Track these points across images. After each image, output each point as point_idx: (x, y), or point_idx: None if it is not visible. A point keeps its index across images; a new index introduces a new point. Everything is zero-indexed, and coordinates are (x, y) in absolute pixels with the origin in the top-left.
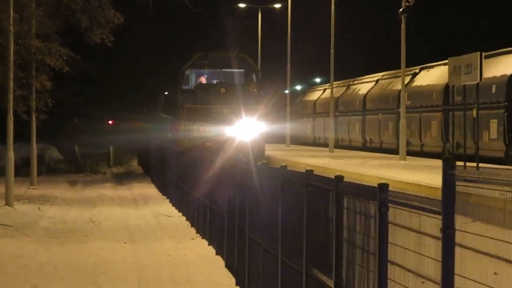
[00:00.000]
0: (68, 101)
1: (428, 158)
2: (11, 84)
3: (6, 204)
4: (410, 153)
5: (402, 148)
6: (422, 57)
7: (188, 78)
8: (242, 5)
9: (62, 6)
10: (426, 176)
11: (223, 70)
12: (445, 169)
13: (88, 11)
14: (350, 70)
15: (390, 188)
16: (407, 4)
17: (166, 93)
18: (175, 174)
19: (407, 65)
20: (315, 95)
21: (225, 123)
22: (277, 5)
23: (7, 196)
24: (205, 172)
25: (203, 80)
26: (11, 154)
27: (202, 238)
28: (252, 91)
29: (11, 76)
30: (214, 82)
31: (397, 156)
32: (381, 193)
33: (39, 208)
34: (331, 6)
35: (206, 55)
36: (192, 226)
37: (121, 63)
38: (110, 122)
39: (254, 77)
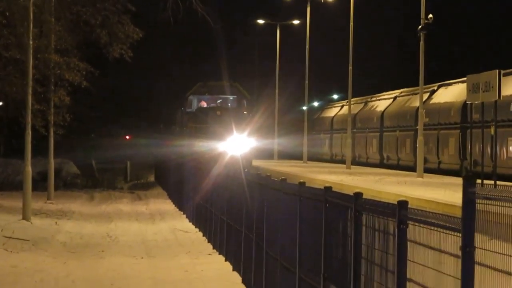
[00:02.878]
0: (86, 116)
1: (445, 175)
2: (30, 98)
3: (24, 218)
4: (428, 170)
5: (420, 165)
6: (440, 74)
7: (191, 102)
8: (260, 21)
9: (81, 21)
10: (444, 193)
11: (220, 96)
12: (466, 187)
13: (107, 26)
14: (368, 87)
15: (409, 206)
16: (425, 21)
17: (183, 109)
18: (192, 190)
19: (425, 83)
20: (332, 112)
21: (220, 139)
22: (296, 22)
23: (24, 210)
24: (222, 187)
25: (203, 104)
26: (28, 169)
27: (219, 253)
28: (243, 114)
29: (30, 90)
30: (212, 106)
31: (415, 173)
32: (400, 210)
33: (56, 222)
34: (349, 23)
35: (205, 84)
36: (209, 241)
37: (139, 80)
38: (127, 137)
39: (244, 102)
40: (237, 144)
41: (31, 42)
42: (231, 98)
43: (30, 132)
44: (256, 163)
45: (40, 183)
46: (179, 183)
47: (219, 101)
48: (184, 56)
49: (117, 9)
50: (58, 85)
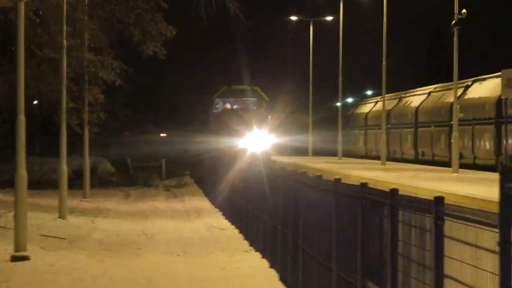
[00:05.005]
0: (120, 113)
1: (481, 170)
2: (64, 97)
3: (60, 217)
4: (463, 165)
5: (455, 160)
6: (475, 69)
7: (217, 104)
8: (293, 18)
9: (114, 19)
10: (480, 189)
11: (242, 99)
12: (503, 182)
13: (140, 24)
14: (402, 83)
15: (445, 201)
16: (459, 16)
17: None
18: (228, 187)
19: (460, 78)
20: (366, 108)
21: (242, 137)
22: (329, 18)
23: (60, 209)
24: (257, 184)
25: (228, 106)
26: (64, 167)
27: (256, 251)
28: (263, 114)
29: (64, 89)
30: (235, 108)
31: (450, 169)
32: (437, 206)
33: (92, 220)
34: (383, 18)
35: (229, 88)
36: (245, 238)
37: (173, 77)
38: (163, 134)
39: (264, 104)
40: (257, 141)
41: (64, 41)
42: (252, 100)
43: (65, 131)
44: (291, 159)
45: (75, 181)
46: (214, 180)
47: (241, 103)
48: (211, 55)
49: (150, 7)
50: (92, 83)
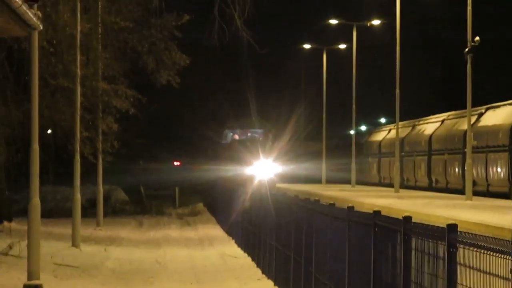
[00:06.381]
0: (134, 142)
1: (494, 198)
2: (78, 126)
3: (73, 245)
4: (476, 193)
5: (468, 188)
6: (488, 96)
7: (227, 135)
8: (307, 46)
9: (128, 48)
10: (494, 216)
11: (249, 129)
12: None
13: (154, 53)
14: (415, 110)
15: (458, 229)
16: (472, 44)
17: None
18: (241, 215)
19: (473, 105)
20: (380, 136)
21: (249, 165)
22: (342, 46)
23: (73, 237)
24: (270, 213)
25: (236, 136)
26: (78, 196)
27: (268, 278)
28: (268, 144)
29: (78, 118)
30: (242, 139)
31: (463, 196)
32: (450, 234)
33: (105, 249)
34: (395, 46)
35: (238, 120)
36: (258, 266)
37: (185, 107)
38: (176, 163)
39: (270, 134)
40: (263, 170)
41: (78, 70)
42: (259, 131)
43: (79, 160)
44: (304, 187)
45: (89, 210)
46: (227, 208)
47: (249, 134)
48: (222, 86)
49: (164, 36)
50: (106, 112)
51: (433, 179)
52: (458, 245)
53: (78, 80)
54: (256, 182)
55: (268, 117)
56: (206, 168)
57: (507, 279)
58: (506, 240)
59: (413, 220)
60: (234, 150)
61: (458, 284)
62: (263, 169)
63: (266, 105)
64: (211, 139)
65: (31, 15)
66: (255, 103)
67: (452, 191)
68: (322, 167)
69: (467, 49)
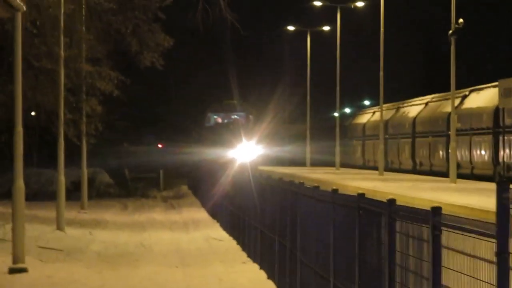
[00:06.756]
0: (118, 124)
1: (479, 181)
2: (62, 108)
3: (58, 228)
4: (461, 176)
5: (453, 171)
6: (471, 78)
7: (210, 118)
8: (291, 28)
9: (112, 30)
10: (478, 199)
11: (232, 113)
12: (499, 192)
13: (138, 35)
14: (399, 93)
15: (442, 212)
16: (456, 26)
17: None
18: (226, 198)
19: (457, 87)
20: (364, 118)
21: (232, 148)
22: (326, 28)
23: (58, 220)
24: (254, 196)
25: (219, 120)
26: (62, 179)
27: (254, 262)
28: (250, 127)
29: (62, 100)
30: (225, 121)
31: (448, 179)
32: (434, 217)
33: (90, 232)
34: (380, 27)
35: (220, 103)
36: (243, 250)
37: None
38: (160, 145)
39: (251, 118)
40: (246, 152)
41: (62, 52)
42: (241, 114)
43: (63, 142)
44: (288, 170)
45: (73, 193)
46: (211, 191)
47: (232, 117)
48: (205, 68)
49: (148, 18)
50: (90, 94)
51: (417, 161)
52: (442, 228)
53: (62, 61)
54: (237, 164)
55: (251, 100)
56: (190, 151)
57: (491, 262)
58: (491, 223)
59: (397, 203)
60: (217, 133)
61: (442, 267)
62: (246, 151)
63: (249, 88)
64: (195, 122)
65: None
66: (238, 86)
67: (437, 173)
68: (307, 150)
69: (451, 31)
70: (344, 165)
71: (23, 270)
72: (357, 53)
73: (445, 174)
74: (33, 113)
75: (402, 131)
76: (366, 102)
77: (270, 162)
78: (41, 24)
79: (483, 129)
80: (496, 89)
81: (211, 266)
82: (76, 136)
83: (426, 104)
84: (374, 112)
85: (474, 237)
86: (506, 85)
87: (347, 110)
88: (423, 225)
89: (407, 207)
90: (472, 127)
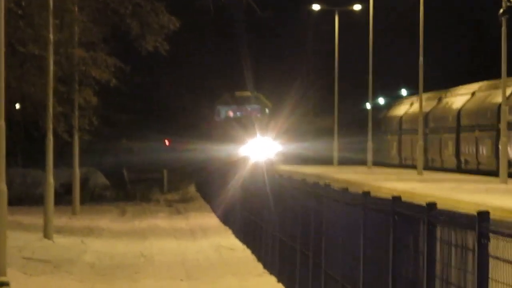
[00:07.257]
0: (116, 118)
1: None
2: (51, 100)
3: (45, 237)
4: None
5: (503, 170)
6: None
7: (220, 112)
8: (316, 7)
9: (109, 10)
10: None
11: (245, 106)
12: None
13: (139, 16)
14: (441, 81)
15: (491, 217)
16: (508, 4)
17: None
18: (239, 202)
19: (509, 74)
20: (401, 110)
21: (245, 145)
22: (357, 7)
23: (46, 228)
24: (274, 199)
25: (230, 113)
26: (50, 180)
27: (270, 274)
28: (265, 121)
29: (51, 91)
30: (238, 115)
31: (497, 179)
32: (481, 222)
33: (82, 241)
34: (418, 6)
35: (232, 95)
36: (258, 260)
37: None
38: (166, 142)
39: (267, 110)
40: (261, 150)
41: (51, 35)
42: (256, 107)
43: (51, 138)
44: (312, 170)
45: (63, 196)
46: (222, 194)
47: (244, 111)
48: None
49: None
50: (83, 84)
51: (462, 159)
52: (490, 235)
53: (51, 46)
54: (251, 164)
55: (267, 91)
56: (198, 148)
57: None
58: None
59: (438, 207)
60: (228, 128)
61: (490, 280)
62: (261, 149)
63: (265, 77)
64: (202, 115)
65: None
66: (252, 75)
67: (484, 173)
68: (334, 146)
69: (501, 10)
70: (377, 163)
71: (4, 284)
72: (393, 36)
73: (494, 173)
74: (18, 106)
75: (445, 125)
76: (403, 92)
77: (291, 161)
78: (26, 3)
79: None
80: None
81: (222, 279)
82: (67, 132)
83: (473, 94)
84: (412, 103)
85: None
86: None
87: (381, 101)
88: (468, 231)
89: (449, 211)
90: None
